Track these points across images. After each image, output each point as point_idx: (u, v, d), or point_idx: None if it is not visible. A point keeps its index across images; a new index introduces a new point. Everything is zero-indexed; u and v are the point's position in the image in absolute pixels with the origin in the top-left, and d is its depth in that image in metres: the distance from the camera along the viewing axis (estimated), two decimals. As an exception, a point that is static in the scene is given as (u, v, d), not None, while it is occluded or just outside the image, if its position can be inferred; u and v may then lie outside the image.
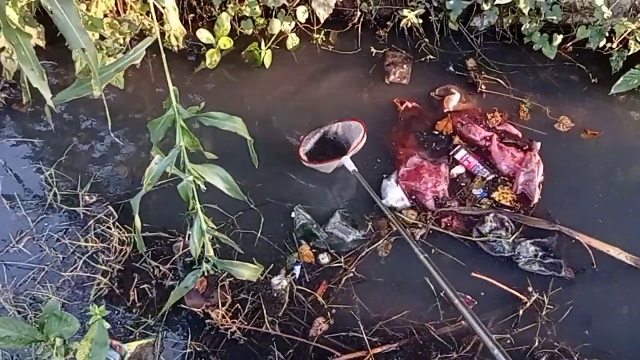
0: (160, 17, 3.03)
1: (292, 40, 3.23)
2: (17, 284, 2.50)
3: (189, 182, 2.11)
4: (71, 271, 2.50)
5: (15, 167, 2.84)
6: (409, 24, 3.16)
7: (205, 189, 2.13)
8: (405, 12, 3.10)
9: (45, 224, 2.67)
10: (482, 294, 2.47)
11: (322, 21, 3.15)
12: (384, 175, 2.82)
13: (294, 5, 3.15)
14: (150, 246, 2.61)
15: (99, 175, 2.82)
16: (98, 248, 2.53)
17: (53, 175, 2.72)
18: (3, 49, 2.76)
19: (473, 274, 2.45)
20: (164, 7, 2.68)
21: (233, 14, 3.15)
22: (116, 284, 2.51)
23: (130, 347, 2.36)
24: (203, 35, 3.07)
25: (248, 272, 2.23)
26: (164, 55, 1.80)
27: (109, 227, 2.60)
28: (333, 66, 3.24)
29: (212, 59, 3.10)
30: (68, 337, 1.73)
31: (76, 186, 2.76)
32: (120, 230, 2.60)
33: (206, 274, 2.32)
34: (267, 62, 3.18)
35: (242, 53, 3.22)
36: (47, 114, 2.23)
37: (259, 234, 2.66)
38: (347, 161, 2.75)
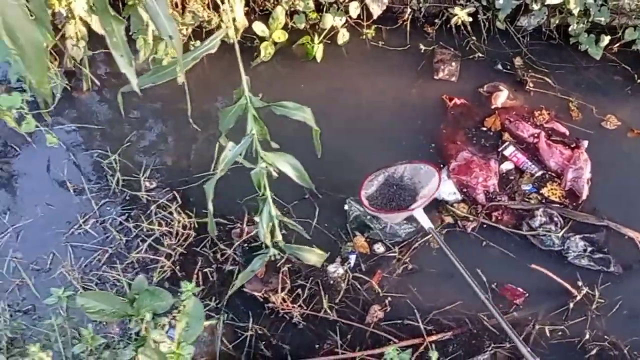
0: (216, 9, 3.07)
1: (343, 35, 3.25)
2: (83, 265, 2.55)
3: (262, 169, 2.16)
4: (136, 253, 2.55)
5: (77, 152, 2.89)
6: (459, 22, 3.17)
7: (277, 175, 2.18)
8: (457, 9, 3.11)
9: (108, 208, 2.72)
10: (533, 287, 2.51)
11: (374, 17, 3.17)
12: (435, 170, 2.85)
13: (347, 1, 3.17)
14: (206, 235, 2.66)
15: (158, 162, 2.86)
16: (163, 232, 2.58)
17: (117, 160, 2.76)
18: (67, 37, 2.82)
19: (532, 266, 2.47)
20: (231, -1, 2.73)
21: (287, 7, 3.18)
22: (178, 267, 2.55)
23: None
24: (258, 28, 3.10)
25: (315, 257, 2.27)
26: (237, 47, 1.84)
27: (170, 213, 2.64)
28: (382, 62, 3.26)
29: (266, 51, 3.13)
30: (160, 312, 1.78)
31: (136, 172, 2.81)
32: (181, 215, 2.65)
33: (272, 258, 2.36)
34: (319, 56, 3.21)
35: (294, 46, 3.25)
36: (119, 101, 2.28)
37: (314, 223, 2.70)
38: (419, 214, 2.43)
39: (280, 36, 3.15)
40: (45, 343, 1.98)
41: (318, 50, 3.20)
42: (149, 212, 2.67)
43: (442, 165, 2.77)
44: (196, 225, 2.66)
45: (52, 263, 2.55)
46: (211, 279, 2.54)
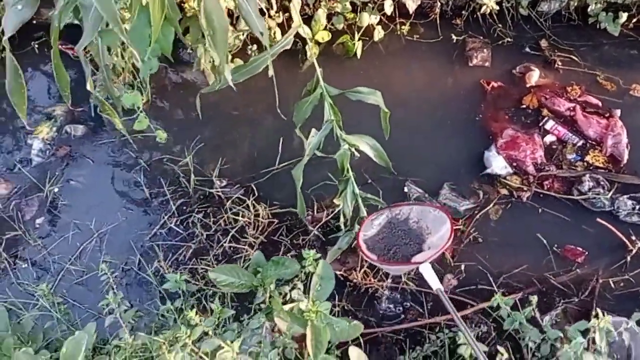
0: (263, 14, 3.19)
1: (378, 32, 3.39)
2: (171, 260, 2.64)
3: (346, 150, 2.28)
4: (220, 246, 2.65)
5: (150, 158, 2.99)
6: (488, 11, 3.33)
7: (358, 155, 2.30)
8: (485, -1, 3.28)
9: (184, 208, 2.81)
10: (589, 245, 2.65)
11: (411, 12, 3.31)
12: (483, 149, 2.98)
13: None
14: (284, 221, 2.76)
15: (224, 162, 2.95)
16: (243, 223, 2.68)
17: (191, 161, 2.87)
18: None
19: (598, 220, 2.62)
20: (290, 1, 2.86)
21: (326, 10, 3.31)
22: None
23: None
24: (304, 30, 3.23)
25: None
26: (312, 44, 1.97)
27: (247, 206, 2.74)
28: (418, 54, 3.39)
29: (312, 51, 3.25)
30: (287, 279, 1.88)
31: (206, 172, 2.91)
32: (256, 207, 2.75)
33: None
34: (359, 53, 3.34)
35: (334, 46, 3.38)
36: (197, 104, 2.40)
37: (380, 205, 2.81)
38: (426, 271, 1.89)
39: (324, 36, 3.28)
40: (164, 324, 2.09)
41: (358, 48, 3.33)
42: (224, 207, 2.77)
43: (453, 216, 2.59)
44: (270, 216, 2.76)
45: (140, 263, 2.64)
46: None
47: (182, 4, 2.85)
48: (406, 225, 2.12)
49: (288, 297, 1.98)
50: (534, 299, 2.03)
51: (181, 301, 2.11)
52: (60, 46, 3.28)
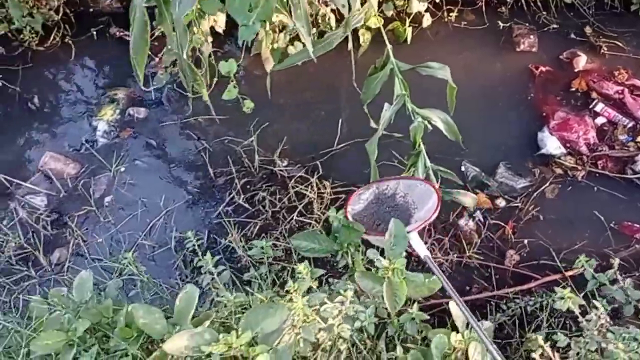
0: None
1: (427, 19, 3.43)
2: (239, 236, 2.68)
3: (420, 122, 2.32)
4: (288, 222, 2.69)
5: (209, 139, 3.03)
6: (535, -3, 3.38)
7: (431, 128, 2.34)
8: (535, -14, 3.32)
9: (248, 187, 2.86)
10: None
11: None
12: (536, 130, 3.02)
13: (431, -14, 3.36)
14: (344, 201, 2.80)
15: (284, 143, 3.00)
16: (311, 199, 2.72)
17: (256, 141, 2.91)
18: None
19: None
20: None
21: (377, -3, 3.35)
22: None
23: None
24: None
25: (469, 199, 2.42)
26: (364, 30, 2.02)
27: (310, 184, 2.79)
28: (466, 40, 3.43)
29: (364, 37, 3.29)
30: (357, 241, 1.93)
31: (266, 153, 2.95)
32: (319, 185, 2.80)
33: None
34: (409, 39, 3.38)
35: (385, 31, 3.42)
36: (267, 83, 2.44)
37: (437, 184, 2.85)
38: (413, 239, 1.87)
39: (376, 22, 3.31)
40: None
41: (408, 34, 3.37)
42: (287, 186, 2.81)
43: (440, 185, 2.47)
44: (331, 194, 2.80)
45: (209, 238, 2.68)
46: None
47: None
48: (393, 201, 2.10)
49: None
50: (616, 261, 2.07)
51: (265, 267, 2.16)
52: (119, 33, 3.34)
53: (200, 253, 2.08)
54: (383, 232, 1.86)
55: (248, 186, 2.86)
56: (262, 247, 2.10)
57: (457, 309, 1.73)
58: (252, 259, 2.31)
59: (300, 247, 1.92)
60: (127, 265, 2.18)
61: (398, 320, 1.84)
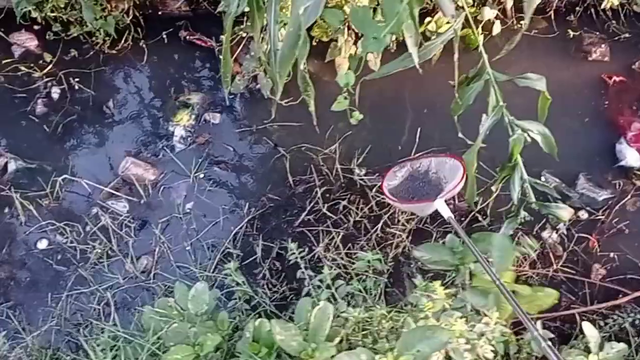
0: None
1: (497, 27, 3.40)
2: (323, 246, 2.67)
3: (520, 135, 2.29)
4: (373, 232, 2.67)
5: (287, 146, 3.00)
6: (608, 6, 3.34)
7: (530, 140, 2.32)
8: (609, -5, 3.28)
9: (327, 195, 2.84)
10: None
11: (533, 8, 3.32)
12: (613, 141, 2.99)
13: (504, -7, 3.33)
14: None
15: (360, 152, 2.97)
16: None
17: (337, 150, 2.89)
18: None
19: None
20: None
21: (448, 4, 3.32)
22: (410, 242, 2.68)
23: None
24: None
25: (566, 213, 2.41)
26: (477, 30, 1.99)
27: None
28: (536, 48, 3.39)
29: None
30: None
31: (344, 162, 2.93)
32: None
33: (522, 221, 2.48)
34: (480, 45, 3.35)
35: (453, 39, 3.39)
36: (356, 91, 2.41)
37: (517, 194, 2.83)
38: (440, 205, 2.16)
39: (445, 27, 3.29)
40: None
41: (480, 41, 3.34)
42: (368, 195, 2.79)
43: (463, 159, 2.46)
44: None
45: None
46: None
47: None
48: (426, 176, 2.34)
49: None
50: None
51: (371, 281, 2.15)
52: (190, 37, 3.32)
53: (301, 265, 2.06)
54: (417, 201, 2.21)
55: (328, 195, 2.84)
56: (369, 261, 2.08)
57: (591, 330, 1.72)
58: (355, 271, 2.30)
59: (424, 258, 1.92)
60: (228, 276, 2.18)
61: (518, 340, 1.83)
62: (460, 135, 2.62)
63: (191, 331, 1.75)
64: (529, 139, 2.33)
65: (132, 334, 1.93)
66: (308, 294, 2.17)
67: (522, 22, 3.39)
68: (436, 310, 1.65)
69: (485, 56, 2.37)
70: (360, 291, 2.14)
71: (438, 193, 2.21)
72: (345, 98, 2.35)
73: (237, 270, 2.20)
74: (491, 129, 2.16)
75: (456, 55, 2.28)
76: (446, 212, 2.12)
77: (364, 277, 2.25)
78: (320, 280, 2.18)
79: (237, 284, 2.26)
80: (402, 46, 3.13)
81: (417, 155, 2.47)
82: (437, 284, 1.66)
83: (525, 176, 2.38)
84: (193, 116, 3.06)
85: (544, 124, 2.20)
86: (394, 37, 3.16)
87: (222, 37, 3.24)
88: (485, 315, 1.86)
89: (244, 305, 2.25)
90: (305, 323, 1.71)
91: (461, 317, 1.68)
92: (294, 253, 2.13)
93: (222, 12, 2.93)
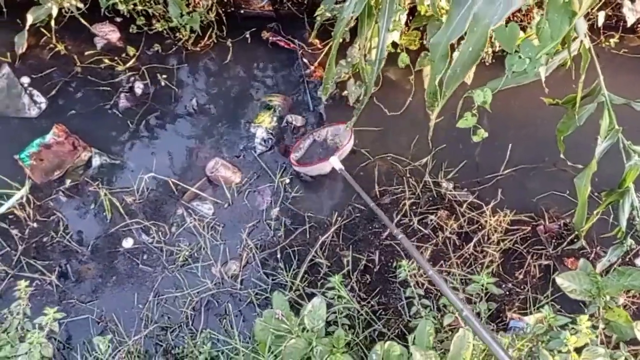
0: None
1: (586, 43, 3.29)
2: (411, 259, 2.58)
3: (637, 161, 2.20)
4: (465, 250, 2.58)
5: (371, 154, 2.92)
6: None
7: (640, 166, 2.21)
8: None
9: (414, 208, 2.75)
10: None
11: (628, 24, 3.20)
12: None
13: (594, 10, 3.21)
14: (516, 231, 2.69)
15: (447, 166, 2.88)
16: (488, 227, 2.61)
17: (429, 162, 2.80)
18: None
19: None
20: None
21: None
22: (499, 263, 2.59)
23: (529, 319, 2.45)
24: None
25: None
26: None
27: (481, 213, 2.68)
28: (626, 67, 3.29)
29: (525, 59, 3.17)
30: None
31: (430, 175, 2.84)
32: (492, 214, 2.68)
33: (628, 249, 2.38)
34: (569, 63, 3.24)
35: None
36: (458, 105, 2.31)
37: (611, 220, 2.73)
38: (334, 161, 2.64)
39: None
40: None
41: (569, 59, 3.23)
42: (456, 211, 2.71)
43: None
44: (500, 222, 2.69)
45: (379, 261, 2.59)
46: (532, 272, 2.58)
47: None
48: (325, 142, 2.83)
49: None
50: None
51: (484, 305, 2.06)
52: (273, 38, 3.25)
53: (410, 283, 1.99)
54: (317, 162, 2.70)
55: (414, 207, 2.75)
56: (483, 285, 2.00)
57: None
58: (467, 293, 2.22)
59: (564, 286, 1.84)
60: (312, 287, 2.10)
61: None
62: (562, 156, 2.53)
63: (317, 350, 1.67)
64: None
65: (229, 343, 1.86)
66: (417, 314, 2.10)
67: (611, 40, 3.31)
68: (580, 345, 1.57)
69: (601, 77, 2.27)
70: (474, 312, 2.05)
71: (335, 151, 2.70)
72: (473, 115, 2.26)
73: (342, 284, 2.13)
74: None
75: (582, 77, 2.19)
76: (337, 165, 2.60)
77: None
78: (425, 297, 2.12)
79: (339, 297, 2.19)
80: (499, 59, 3.06)
81: (318, 128, 2.88)
82: (584, 318, 1.58)
83: (637, 203, 2.29)
84: (275, 118, 2.98)
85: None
86: (490, 50, 3.07)
87: (310, 39, 3.17)
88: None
89: (344, 320, 2.17)
90: (441, 349, 1.63)
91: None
92: (403, 269, 2.05)
93: (315, 16, 2.85)
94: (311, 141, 2.86)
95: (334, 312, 2.15)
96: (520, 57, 1.77)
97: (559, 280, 1.85)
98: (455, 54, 2.19)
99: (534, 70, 1.70)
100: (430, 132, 2.14)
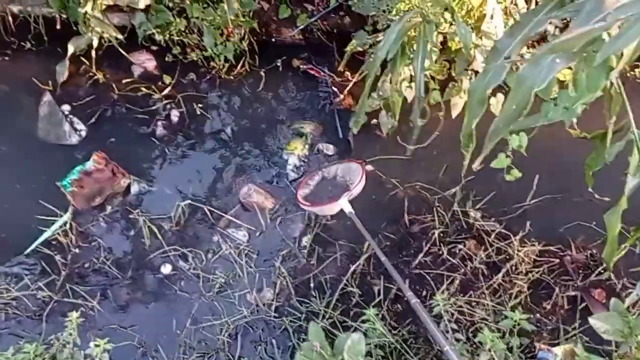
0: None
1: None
2: (441, 290, 2.63)
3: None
4: (494, 281, 2.63)
5: (401, 183, 2.97)
6: None
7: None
8: None
9: (442, 236, 2.80)
10: None
11: (654, 56, 3.24)
12: None
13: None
14: (542, 262, 2.72)
15: (473, 195, 2.93)
16: (518, 257, 2.65)
17: (459, 192, 2.85)
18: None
19: None
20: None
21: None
22: (530, 294, 2.62)
23: (558, 351, 2.48)
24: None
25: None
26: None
27: (509, 243, 2.72)
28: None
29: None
30: None
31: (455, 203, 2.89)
32: (520, 244, 2.72)
33: None
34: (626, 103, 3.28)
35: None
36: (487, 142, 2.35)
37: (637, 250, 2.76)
38: (344, 203, 2.54)
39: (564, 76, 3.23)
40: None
41: (591, 87, 3.26)
42: (485, 240, 2.75)
43: (365, 162, 2.83)
44: (528, 253, 2.73)
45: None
46: (560, 303, 2.61)
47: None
48: (335, 180, 2.73)
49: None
50: None
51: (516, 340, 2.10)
52: (304, 66, 3.32)
53: (444, 317, 2.03)
54: (327, 202, 2.59)
55: (443, 236, 2.80)
56: (516, 320, 2.04)
57: None
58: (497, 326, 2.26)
59: (597, 326, 1.89)
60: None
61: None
62: (589, 189, 2.57)
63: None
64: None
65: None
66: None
67: (636, 70, 3.33)
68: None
69: (631, 115, 2.30)
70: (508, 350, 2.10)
71: (344, 191, 2.60)
72: (507, 156, 2.31)
73: (377, 316, 2.18)
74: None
75: (613, 119, 2.23)
76: (347, 208, 2.50)
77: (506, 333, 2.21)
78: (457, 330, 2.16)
79: (373, 329, 2.24)
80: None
81: (328, 164, 2.85)
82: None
83: (663, 233, 2.32)
84: (307, 145, 3.05)
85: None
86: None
87: (340, 68, 3.24)
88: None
89: (378, 351, 2.23)
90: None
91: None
92: (438, 304, 2.10)
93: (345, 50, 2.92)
94: (320, 178, 2.78)
95: (367, 344, 2.19)
96: (556, 104, 1.82)
97: (592, 321, 1.89)
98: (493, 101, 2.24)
99: (570, 118, 1.74)
100: (463, 171, 2.20)
